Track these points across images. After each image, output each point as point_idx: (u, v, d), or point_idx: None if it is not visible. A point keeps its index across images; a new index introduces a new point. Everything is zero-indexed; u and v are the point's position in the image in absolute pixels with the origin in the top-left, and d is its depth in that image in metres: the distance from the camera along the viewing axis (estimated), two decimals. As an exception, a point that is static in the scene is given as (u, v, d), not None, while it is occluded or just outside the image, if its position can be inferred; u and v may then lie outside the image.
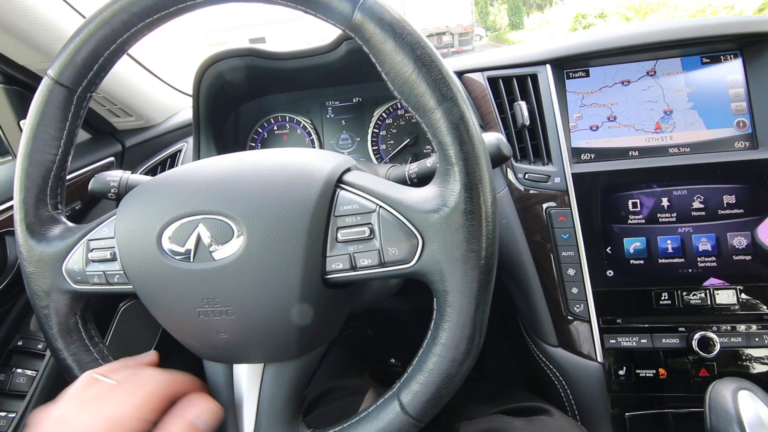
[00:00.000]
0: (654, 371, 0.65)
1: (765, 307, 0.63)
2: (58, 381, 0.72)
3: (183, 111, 1.03)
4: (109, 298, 0.82)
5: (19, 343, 0.73)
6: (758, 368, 0.63)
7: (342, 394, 0.73)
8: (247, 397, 0.42)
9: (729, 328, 0.64)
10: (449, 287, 0.35)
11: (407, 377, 0.38)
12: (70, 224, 0.48)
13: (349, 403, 0.70)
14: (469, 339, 0.36)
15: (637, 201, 0.67)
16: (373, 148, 0.89)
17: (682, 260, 0.65)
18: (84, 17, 0.72)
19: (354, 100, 0.91)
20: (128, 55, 0.87)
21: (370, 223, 0.37)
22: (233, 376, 0.43)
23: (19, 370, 0.71)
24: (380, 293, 0.60)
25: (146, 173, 0.91)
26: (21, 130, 0.76)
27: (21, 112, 0.77)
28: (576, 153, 0.71)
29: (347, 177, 0.40)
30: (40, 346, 0.73)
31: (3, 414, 0.69)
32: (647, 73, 0.71)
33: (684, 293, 0.65)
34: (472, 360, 0.36)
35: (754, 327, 0.63)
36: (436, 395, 0.36)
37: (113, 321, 0.82)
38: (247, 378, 0.42)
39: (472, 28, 13.69)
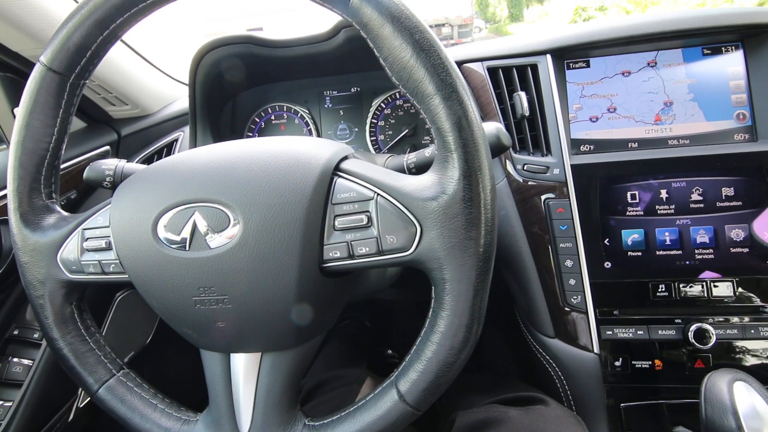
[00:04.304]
0: (650, 362, 0.66)
1: (761, 299, 0.64)
2: (54, 370, 0.72)
3: (180, 100, 1.02)
4: (105, 288, 0.82)
5: (16, 332, 0.73)
6: (753, 360, 0.63)
7: (339, 384, 0.74)
8: (244, 386, 0.42)
9: (725, 320, 0.64)
10: (447, 275, 0.35)
11: (405, 366, 0.38)
12: (65, 213, 0.48)
13: (346, 393, 0.70)
14: (468, 327, 0.35)
15: (636, 193, 0.67)
16: (372, 138, 0.88)
17: (680, 252, 0.65)
18: (77, 1, 0.71)
19: (352, 90, 0.90)
20: (123, 42, 0.86)
21: (367, 211, 0.37)
22: (230, 366, 0.42)
23: (15, 359, 0.71)
24: (378, 283, 0.60)
25: (142, 163, 0.90)
26: (15, 117, 0.75)
27: (14, 99, 0.76)
28: (575, 144, 0.71)
29: (344, 165, 0.40)
30: (36, 335, 0.73)
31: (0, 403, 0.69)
32: (648, 64, 0.70)
33: (681, 285, 0.65)
34: (470, 348, 0.36)
35: (749, 319, 0.63)
36: (434, 383, 0.36)
37: (110, 311, 0.82)
38: (244, 367, 0.42)
39: (471, 20, 13.56)
